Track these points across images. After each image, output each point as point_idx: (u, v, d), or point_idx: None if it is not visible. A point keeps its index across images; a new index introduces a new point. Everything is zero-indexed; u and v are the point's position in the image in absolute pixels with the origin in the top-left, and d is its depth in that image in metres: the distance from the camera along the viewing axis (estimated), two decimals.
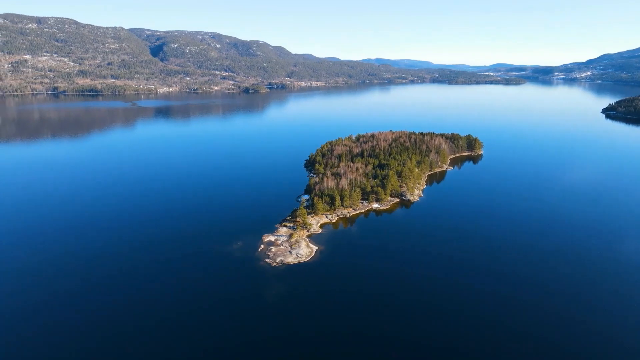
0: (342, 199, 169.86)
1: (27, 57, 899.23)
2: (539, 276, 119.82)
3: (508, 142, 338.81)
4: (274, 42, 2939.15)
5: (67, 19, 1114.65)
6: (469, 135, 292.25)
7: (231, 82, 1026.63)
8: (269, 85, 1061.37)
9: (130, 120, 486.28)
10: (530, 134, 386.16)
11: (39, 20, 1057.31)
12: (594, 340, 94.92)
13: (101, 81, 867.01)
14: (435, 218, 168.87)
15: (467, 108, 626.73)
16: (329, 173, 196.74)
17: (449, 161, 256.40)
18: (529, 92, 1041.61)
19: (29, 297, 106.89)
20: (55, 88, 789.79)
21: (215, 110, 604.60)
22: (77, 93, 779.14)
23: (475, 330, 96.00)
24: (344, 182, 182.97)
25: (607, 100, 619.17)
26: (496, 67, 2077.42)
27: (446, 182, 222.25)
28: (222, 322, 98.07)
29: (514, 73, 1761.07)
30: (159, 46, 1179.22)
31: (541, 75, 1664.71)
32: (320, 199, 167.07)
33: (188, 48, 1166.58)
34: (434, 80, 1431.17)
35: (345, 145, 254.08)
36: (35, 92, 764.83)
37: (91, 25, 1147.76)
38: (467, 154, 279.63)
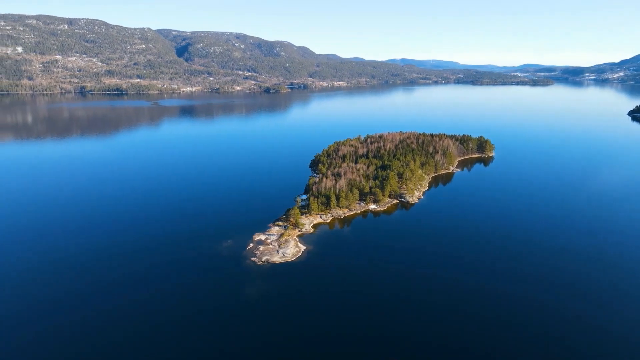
0: (338, 199, 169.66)
1: (58, 57, 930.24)
2: (537, 290, 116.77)
3: (522, 144, 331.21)
4: (298, 42, 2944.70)
5: (97, 20, 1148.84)
6: (481, 137, 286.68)
7: (253, 82, 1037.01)
8: (291, 85, 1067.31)
9: (148, 119, 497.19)
10: (546, 136, 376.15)
11: (70, 22, 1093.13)
12: (601, 339, 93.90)
13: (127, 81, 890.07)
14: (432, 220, 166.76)
15: (484, 109, 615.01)
16: (329, 173, 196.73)
17: (456, 163, 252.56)
18: (555, 93, 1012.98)
19: (22, 297, 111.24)
20: (82, 87, 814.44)
21: (231, 109, 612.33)
22: (103, 92, 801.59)
23: (461, 329, 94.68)
24: (342, 182, 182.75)
25: (637, 102, 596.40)
26: (524, 68, 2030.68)
27: (451, 184, 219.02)
28: (194, 319, 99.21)
29: (542, 74, 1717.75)
30: (184, 46, 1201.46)
31: (571, 76, 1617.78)
32: (316, 199, 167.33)
33: (212, 48, 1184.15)
34: (458, 81, 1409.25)
35: (351, 145, 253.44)
36: (63, 92, 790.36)
37: (120, 26, 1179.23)
38: (477, 155, 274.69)
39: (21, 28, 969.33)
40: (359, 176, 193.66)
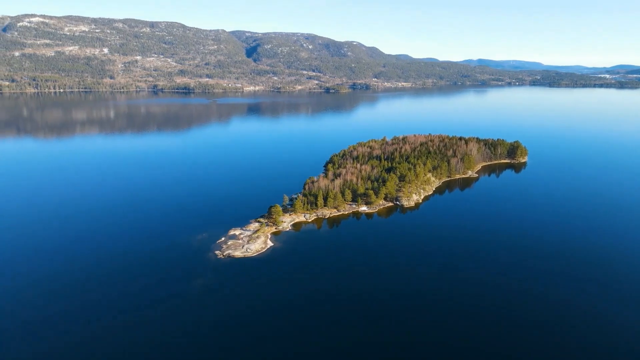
0: (325, 199, 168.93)
1: (138, 57, 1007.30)
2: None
3: (566, 152, 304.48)
4: (369, 43, 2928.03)
5: (176, 22, 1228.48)
6: (517, 141, 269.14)
7: (316, 81, 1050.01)
8: (353, 86, 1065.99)
9: (195, 115, 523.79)
10: (599, 145, 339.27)
11: (152, 24, 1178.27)
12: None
13: (196, 80, 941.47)
14: (423, 225, 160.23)
15: (537, 114, 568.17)
16: (329, 173, 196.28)
17: (478, 167, 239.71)
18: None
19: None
20: (155, 86, 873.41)
21: (282, 108, 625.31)
22: (173, 90, 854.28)
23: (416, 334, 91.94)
24: (337, 182, 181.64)
25: None
26: (615, 69, 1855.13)
27: (465, 189, 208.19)
28: (133, 305, 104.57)
29: (635, 75, 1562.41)
30: (253, 47, 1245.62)
31: None
32: (305, 198, 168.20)
33: (280, 49, 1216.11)
34: (534, 83, 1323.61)
35: (369, 147, 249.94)
36: (138, 89, 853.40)
37: (196, 28, 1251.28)
38: (506, 161, 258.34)
39: (109, 31, 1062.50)
40: (359, 177, 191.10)
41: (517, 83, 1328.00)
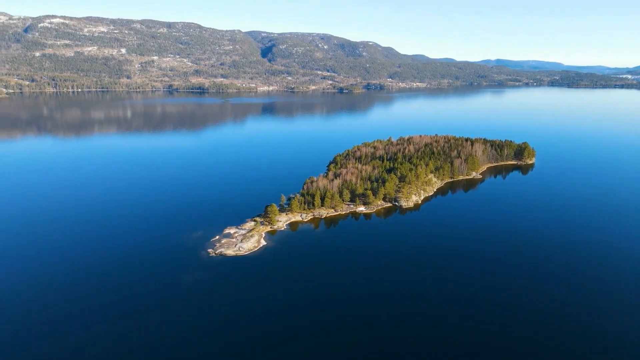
0: (322, 199, 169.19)
1: (155, 57, 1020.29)
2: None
3: (576, 154, 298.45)
4: (385, 43, 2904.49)
5: (192, 23, 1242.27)
6: (525, 142, 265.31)
7: (330, 82, 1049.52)
8: (367, 86, 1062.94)
9: (209, 115, 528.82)
10: (611, 147, 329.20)
11: (169, 25, 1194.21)
12: None
13: (211, 80, 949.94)
14: (419, 227, 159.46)
15: (548, 115, 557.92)
16: (330, 173, 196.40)
17: (483, 169, 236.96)
18: None
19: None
20: (170, 85, 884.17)
21: (291, 109, 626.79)
22: (188, 90, 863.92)
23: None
24: (336, 182, 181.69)
25: None
26: (638, 70, 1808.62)
27: (467, 191, 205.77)
28: (125, 305, 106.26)
29: None
30: (268, 47, 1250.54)
31: None
32: (302, 197, 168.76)
33: (295, 49, 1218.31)
34: (552, 83, 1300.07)
35: (372, 147, 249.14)
36: (154, 89, 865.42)
37: (212, 29, 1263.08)
38: (512, 162, 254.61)
39: (127, 31, 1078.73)
40: (359, 177, 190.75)
41: (534, 84, 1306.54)
